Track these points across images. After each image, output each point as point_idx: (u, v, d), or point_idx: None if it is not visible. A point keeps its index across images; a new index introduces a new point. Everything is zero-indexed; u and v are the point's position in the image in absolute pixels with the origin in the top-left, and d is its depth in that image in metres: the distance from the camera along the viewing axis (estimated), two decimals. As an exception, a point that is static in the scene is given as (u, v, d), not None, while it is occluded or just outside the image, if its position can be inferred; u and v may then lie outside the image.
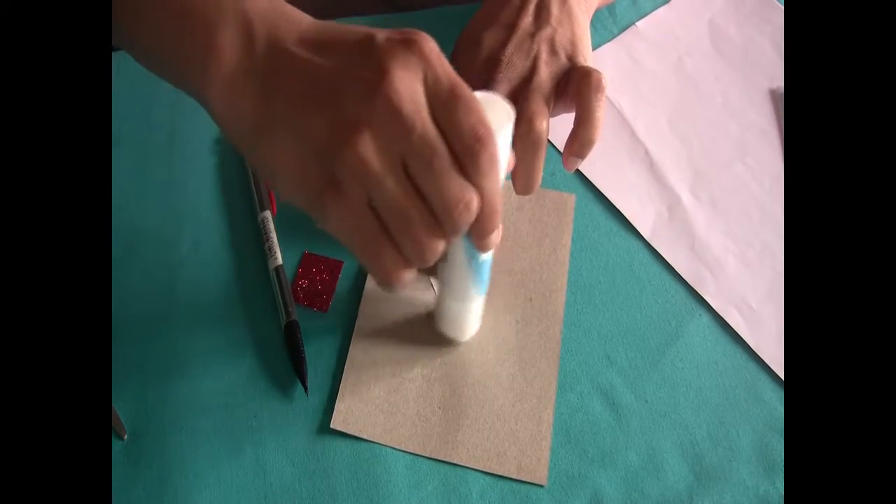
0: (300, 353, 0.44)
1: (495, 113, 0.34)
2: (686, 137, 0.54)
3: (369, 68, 0.31)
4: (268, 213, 0.49)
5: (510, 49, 0.45)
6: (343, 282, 0.47)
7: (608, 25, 0.60)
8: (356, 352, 0.45)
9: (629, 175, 0.52)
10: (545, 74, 0.44)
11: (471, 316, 0.44)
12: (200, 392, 0.44)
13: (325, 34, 0.33)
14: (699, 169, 0.53)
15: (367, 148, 0.30)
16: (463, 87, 0.31)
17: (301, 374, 0.43)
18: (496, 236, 0.35)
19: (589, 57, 0.47)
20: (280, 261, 0.47)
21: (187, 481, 0.41)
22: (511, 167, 0.39)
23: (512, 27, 0.46)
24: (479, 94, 0.34)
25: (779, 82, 0.57)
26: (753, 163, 0.53)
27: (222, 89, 0.33)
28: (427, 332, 0.46)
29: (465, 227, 0.32)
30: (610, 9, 0.61)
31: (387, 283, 0.33)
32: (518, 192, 0.42)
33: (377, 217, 0.32)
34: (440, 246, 0.32)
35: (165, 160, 0.52)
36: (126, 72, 0.55)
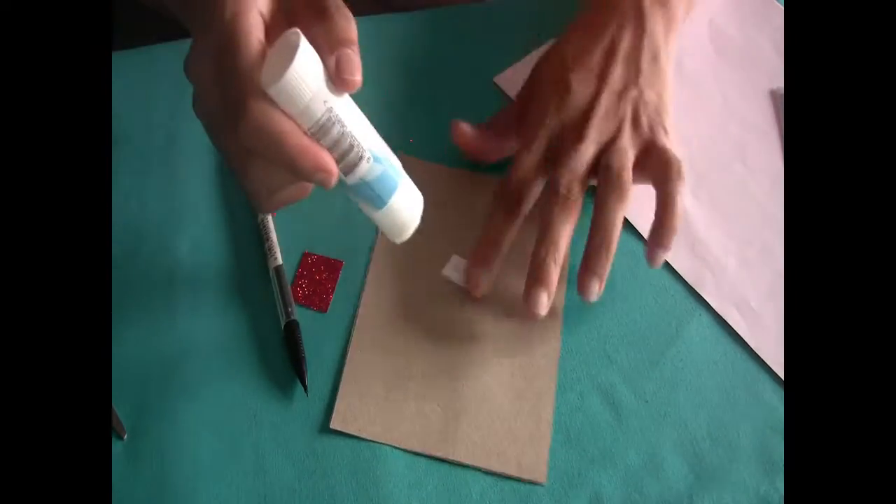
0: (300, 354, 0.44)
1: (284, 56, 0.33)
2: (686, 137, 0.54)
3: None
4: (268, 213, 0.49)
5: (601, 109, 0.45)
6: (343, 282, 0.47)
7: (608, 25, 0.60)
8: (355, 351, 0.45)
9: (629, 175, 0.52)
10: (627, 142, 0.45)
11: (391, 224, 0.41)
12: (200, 392, 0.44)
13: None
14: (699, 169, 0.53)
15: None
16: (231, 52, 0.32)
17: (301, 375, 0.43)
18: (324, 176, 0.34)
19: (670, 125, 0.47)
20: (280, 261, 0.47)
21: (187, 481, 0.41)
22: (352, 86, 0.36)
23: (602, 78, 0.46)
24: (281, 39, 0.33)
25: (779, 82, 0.57)
26: (753, 163, 0.53)
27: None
28: (427, 331, 0.46)
29: (253, 185, 0.35)
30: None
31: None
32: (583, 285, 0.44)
33: None
34: (261, 200, 0.36)
35: (165, 160, 0.52)
36: (126, 72, 0.55)
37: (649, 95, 0.46)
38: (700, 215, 0.51)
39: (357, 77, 0.34)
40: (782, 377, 0.45)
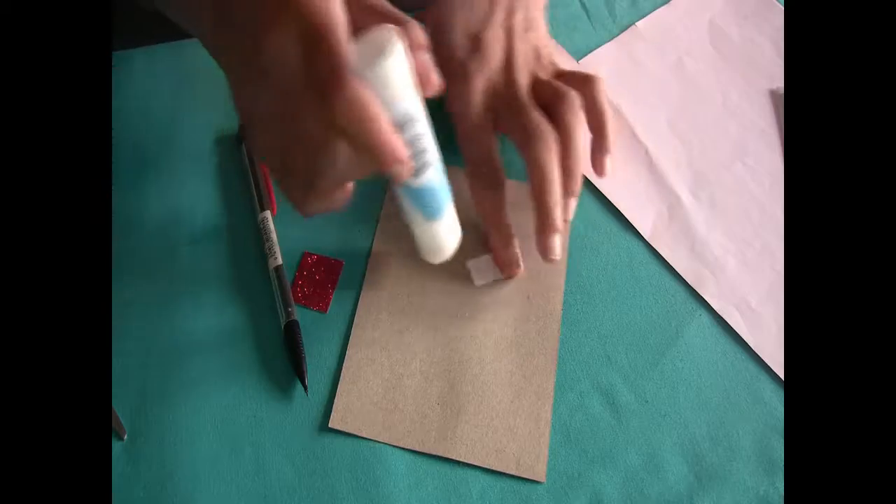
0: (300, 353, 0.44)
1: (377, 45, 0.33)
2: (686, 138, 0.54)
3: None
4: (268, 213, 0.49)
5: (518, 57, 0.47)
6: (343, 282, 0.47)
7: (608, 26, 0.60)
8: (354, 351, 0.45)
9: (629, 175, 0.52)
10: (545, 76, 0.47)
11: (433, 239, 0.43)
12: (200, 392, 0.44)
13: None
14: (699, 169, 0.53)
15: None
16: (325, 32, 0.32)
17: (301, 374, 0.43)
18: (402, 168, 0.34)
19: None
20: (280, 261, 0.47)
21: (187, 481, 0.41)
22: (435, 89, 0.37)
23: (508, 30, 0.48)
24: (369, 33, 0.34)
25: (779, 83, 0.57)
26: (753, 163, 0.53)
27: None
28: (425, 330, 0.46)
29: (329, 171, 0.34)
30: (610, 9, 0.61)
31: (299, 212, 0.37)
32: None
33: None
34: (322, 189, 0.35)
35: (165, 160, 0.52)
36: (126, 72, 0.55)
37: (541, 35, 0.50)
38: (700, 215, 0.51)
39: (438, 79, 0.36)
40: (782, 377, 0.45)
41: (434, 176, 0.39)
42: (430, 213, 0.41)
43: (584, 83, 0.47)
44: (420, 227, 0.42)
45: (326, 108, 0.32)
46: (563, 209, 0.45)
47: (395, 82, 0.34)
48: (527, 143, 0.44)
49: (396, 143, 0.33)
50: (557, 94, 0.46)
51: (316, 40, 0.32)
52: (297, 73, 0.32)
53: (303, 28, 0.32)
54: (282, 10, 0.32)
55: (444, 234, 0.43)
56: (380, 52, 0.33)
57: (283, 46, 0.32)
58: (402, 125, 0.35)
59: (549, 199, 0.44)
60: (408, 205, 0.40)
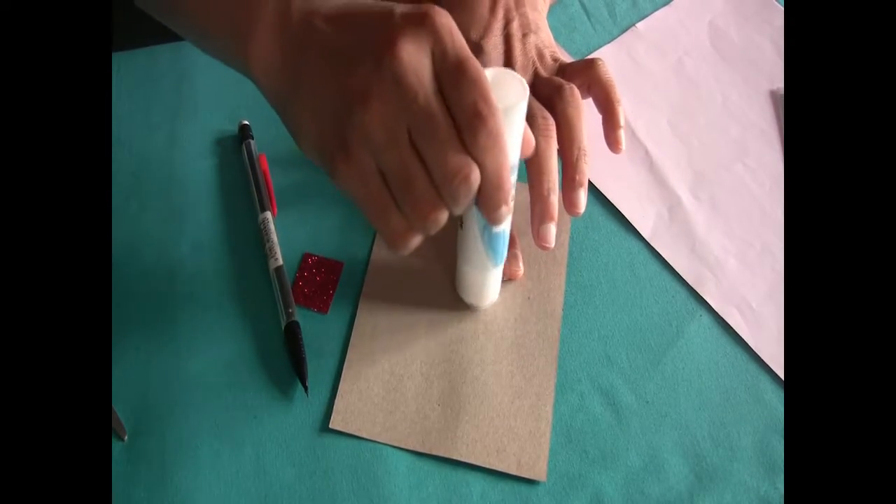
0: (300, 354, 0.44)
1: (507, 89, 0.34)
2: (686, 138, 0.54)
3: (380, 40, 0.32)
4: (268, 214, 0.49)
5: (517, 65, 0.48)
6: (343, 282, 0.47)
7: (608, 27, 0.60)
8: (355, 351, 0.45)
9: (629, 176, 0.52)
10: (546, 74, 0.48)
11: (487, 285, 0.45)
12: (200, 392, 0.44)
13: (351, 10, 0.34)
14: (699, 170, 0.53)
15: (373, 116, 0.32)
16: (469, 62, 0.32)
17: (301, 375, 0.43)
18: (506, 211, 0.35)
19: (562, 55, 0.51)
20: (280, 261, 0.47)
21: (187, 481, 0.41)
22: (531, 150, 0.39)
23: (506, 39, 0.49)
24: (494, 70, 0.34)
25: (779, 83, 0.57)
26: (753, 163, 0.53)
27: (259, 58, 0.35)
28: (426, 330, 0.46)
29: (464, 200, 0.33)
30: (610, 10, 0.61)
31: (393, 246, 0.35)
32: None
33: (385, 182, 0.33)
34: (442, 216, 0.33)
35: (165, 160, 0.52)
36: (126, 72, 0.55)
37: (542, 37, 0.50)
38: (700, 215, 0.51)
39: (534, 142, 0.39)
40: (782, 377, 0.45)
41: (509, 223, 0.41)
42: (498, 258, 0.42)
43: (585, 67, 0.48)
44: (485, 273, 0.43)
45: (470, 135, 0.31)
46: (573, 202, 0.45)
47: (519, 127, 0.35)
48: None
49: (511, 185, 0.34)
50: (555, 89, 0.46)
51: (460, 64, 0.31)
52: (429, 85, 0.32)
53: (440, 50, 0.31)
54: (416, 24, 0.32)
55: (498, 280, 0.45)
56: (517, 93, 0.34)
57: (418, 58, 0.31)
58: (511, 169, 0.35)
59: (545, 187, 0.43)
60: (480, 249, 0.41)
